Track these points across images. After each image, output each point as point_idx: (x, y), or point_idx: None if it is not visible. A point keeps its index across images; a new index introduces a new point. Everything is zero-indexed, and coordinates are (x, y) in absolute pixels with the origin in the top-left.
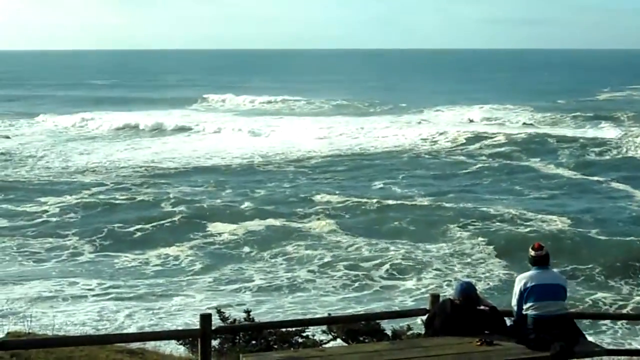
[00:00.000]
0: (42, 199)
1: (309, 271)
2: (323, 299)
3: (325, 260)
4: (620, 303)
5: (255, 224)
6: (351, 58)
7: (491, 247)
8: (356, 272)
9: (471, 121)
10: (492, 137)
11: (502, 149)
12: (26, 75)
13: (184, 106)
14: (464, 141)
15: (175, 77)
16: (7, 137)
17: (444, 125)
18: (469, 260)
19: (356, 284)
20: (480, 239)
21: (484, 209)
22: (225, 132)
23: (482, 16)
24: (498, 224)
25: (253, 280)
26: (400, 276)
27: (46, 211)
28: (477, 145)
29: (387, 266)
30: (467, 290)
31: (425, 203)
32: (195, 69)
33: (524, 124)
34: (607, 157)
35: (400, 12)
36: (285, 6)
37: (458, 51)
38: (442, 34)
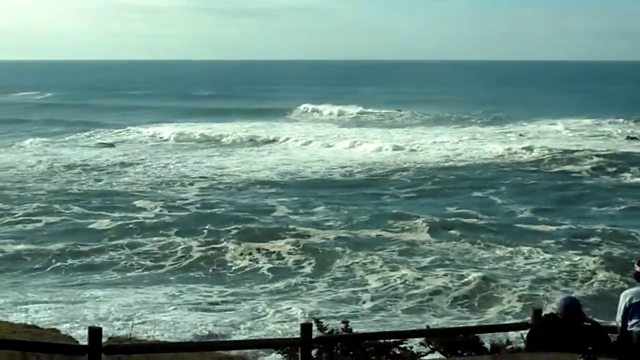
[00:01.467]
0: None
1: None
2: None
3: None
4: None
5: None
6: (463, 70)
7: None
8: None
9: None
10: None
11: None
12: (137, 84)
13: (284, 116)
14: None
15: (281, 87)
16: (112, 146)
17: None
18: None
19: None
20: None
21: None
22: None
23: (593, 29)
24: None
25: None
26: None
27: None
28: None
29: None
30: (571, 306)
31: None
32: (307, 78)
33: (628, 137)
34: None
35: (514, 25)
36: (403, 18)
37: (569, 63)
38: (553, 46)
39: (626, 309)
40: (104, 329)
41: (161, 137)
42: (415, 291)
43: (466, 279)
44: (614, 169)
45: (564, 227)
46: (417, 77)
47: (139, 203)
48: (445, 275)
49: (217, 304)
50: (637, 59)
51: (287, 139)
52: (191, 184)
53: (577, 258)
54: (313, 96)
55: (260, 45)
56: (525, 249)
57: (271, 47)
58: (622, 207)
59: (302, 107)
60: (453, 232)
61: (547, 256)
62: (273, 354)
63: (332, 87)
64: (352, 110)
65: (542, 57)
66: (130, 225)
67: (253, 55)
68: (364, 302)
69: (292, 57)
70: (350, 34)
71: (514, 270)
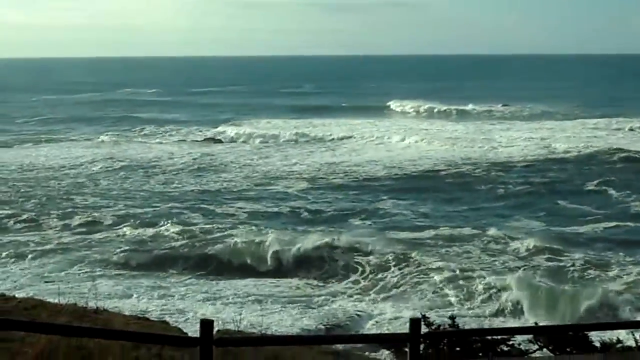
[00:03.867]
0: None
1: None
2: None
3: None
4: None
5: None
6: (563, 64)
7: None
8: None
9: None
10: None
11: None
12: (238, 81)
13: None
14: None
15: (371, 83)
16: (220, 142)
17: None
18: None
19: None
20: None
21: None
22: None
23: None
24: None
25: None
26: None
27: None
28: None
29: None
30: None
31: None
32: (397, 74)
33: None
34: None
35: (621, 16)
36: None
37: None
38: None
39: None
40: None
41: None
42: None
43: None
44: None
45: None
46: (519, 71)
47: None
48: None
49: None
50: None
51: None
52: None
53: None
54: (417, 91)
55: (361, 39)
56: None
57: (370, 42)
58: None
59: (406, 103)
60: None
61: None
62: (380, 351)
63: (432, 82)
64: (457, 106)
65: None
66: None
67: (353, 50)
68: None
69: (391, 52)
70: (446, 27)
71: None
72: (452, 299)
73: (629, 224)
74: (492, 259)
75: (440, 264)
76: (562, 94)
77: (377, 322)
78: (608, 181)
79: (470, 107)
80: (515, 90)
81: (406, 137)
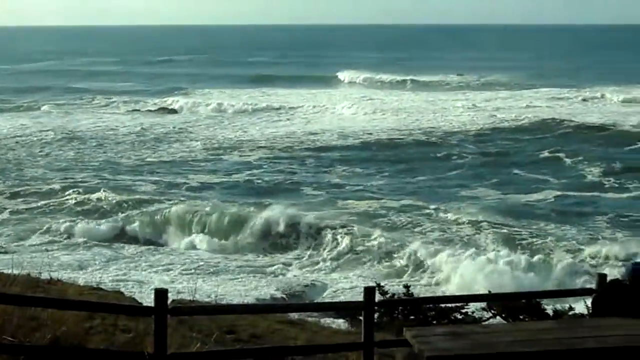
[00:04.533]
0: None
1: None
2: None
3: None
4: None
5: None
6: (536, 34)
7: None
8: None
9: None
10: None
11: None
12: (190, 50)
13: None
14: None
15: (330, 53)
16: (175, 111)
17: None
18: None
19: None
20: None
21: None
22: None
23: None
24: None
25: None
26: None
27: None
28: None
29: None
30: (638, 272)
31: None
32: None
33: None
34: None
35: None
36: None
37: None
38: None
39: None
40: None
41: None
42: None
43: None
44: None
45: None
46: (475, 42)
47: None
48: None
49: None
50: None
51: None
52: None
53: None
54: (373, 61)
55: (318, 8)
56: None
57: (328, 11)
58: None
59: (359, 73)
60: None
61: None
62: (336, 320)
63: (388, 52)
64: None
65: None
66: None
67: (310, 19)
68: None
69: (348, 22)
70: None
71: None
72: (400, 270)
73: (583, 193)
74: (439, 229)
75: (389, 234)
76: (517, 64)
77: (334, 291)
78: (560, 150)
79: (424, 77)
80: (471, 60)
81: (360, 107)
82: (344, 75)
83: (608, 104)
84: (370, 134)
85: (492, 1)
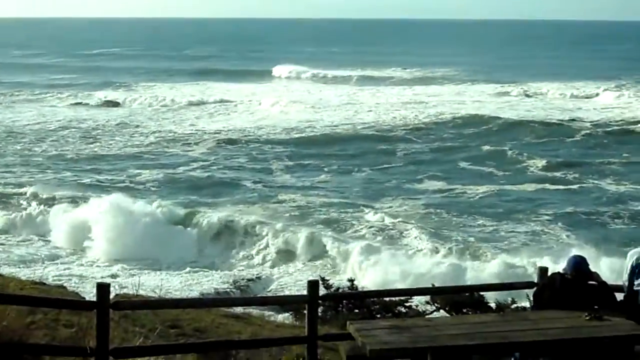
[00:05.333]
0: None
1: None
2: None
3: None
4: None
5: None
6: (462, 28)
7: None
8: None
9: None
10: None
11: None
12: (123, 43)
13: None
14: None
15: (259, 48)
16: (116, 105)
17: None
18: None
19: None
20: None
21: None
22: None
23: None
24: None
25: None
26: None
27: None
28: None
29: None
30: (580, 265)
31: None
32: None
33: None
34: None
35: None
36: None
37: (589, 23)
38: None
39: (633, 268)
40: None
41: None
42: None
43: None
44: None
45: None
46: (419, 36)
47: None
48: None
49: None
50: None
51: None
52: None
53: None
54: (317, 55)
55: (264, 2)
56: None
57: (273, 5)
58: None
59: (295, 67)
60: None
61: None
62: (281, 314)
63: (331, 46)
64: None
65: (571, 16)
66: None
67: (258, 13)
68: None
69: (296, 16)
70: None
71: None
72: (326, 265)
73: (524, 186)
74: (375, 225)
75: (326, 231)
76: (463, 59)
77: (280, 285)
78: (503, 144)
79: (369, 71)
80: (416, 55)
81: (304, 101)
82: (288, 69)
83: (551, 99)
84: (315, 128)
85: None
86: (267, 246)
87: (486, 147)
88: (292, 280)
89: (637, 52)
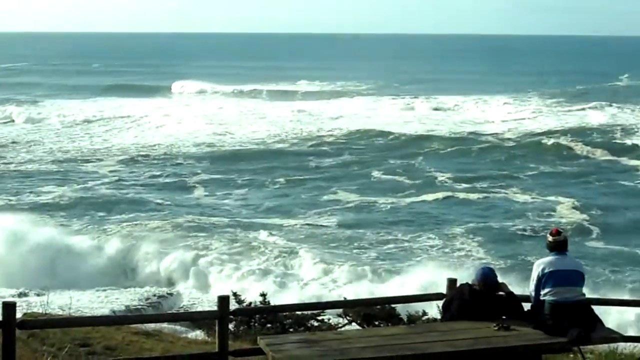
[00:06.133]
0: None
1: None
2: None
3: None
4: None
5: None
6: (376, 43)
7: None
8: None
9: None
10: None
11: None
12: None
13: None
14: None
15: (160, 62)
16: (13, 121)
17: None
18: None
19: None
20: None
21: None
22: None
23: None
24: None
25: None
26: None
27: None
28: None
29: None
30: (488, 276)
31: None
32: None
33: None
34: None
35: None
36: None
37: (489, 37)
38: (473, 19)
39: (539, 279)
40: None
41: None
42: None
43: None
44: None
45: None
46: (324, 50)
47: None
48: None
49: None
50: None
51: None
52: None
53: None
54: (218, 70)
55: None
56: None
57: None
58: None
59: (197, 83)
60: None
61: None
62: (193, 330)
63: (235, 61)
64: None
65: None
66: None
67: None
68: None
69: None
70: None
71: None
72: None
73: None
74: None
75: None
76: (369, 74)
77: (190, 302)
78: (412, 157)
79: (275, 86)
80: (322, 69)
81: (207, 117)
82: (192, 85)
83: (459, 113)
84: (225, 143)
85: (341, 10)
86: (172, 263)
87: (395, 161)
88: (205, 296)
89: (545, 66)
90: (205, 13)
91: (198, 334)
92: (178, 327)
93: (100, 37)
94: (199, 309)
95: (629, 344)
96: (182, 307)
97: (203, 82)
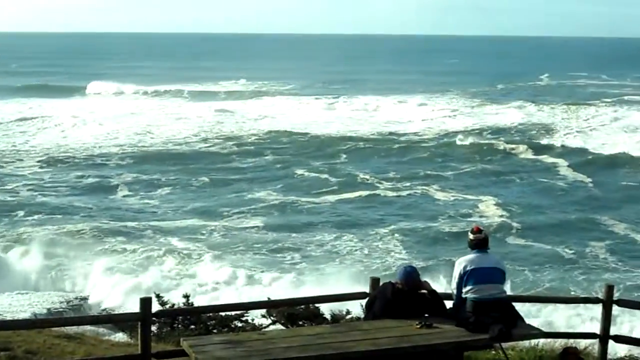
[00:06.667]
0: None
1: None
2: None
3: None
4: None
5: None
6: (300, 43)
7: None
8: None
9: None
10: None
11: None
12: None
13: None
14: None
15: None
16: None
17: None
18: None
19: None
20: None
21: None
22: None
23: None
24: None
25: None
26: None
27: None
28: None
29: None
30: (411, 275)
31: None
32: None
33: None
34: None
35: None
36: None
37: (414, 37)
38: (400, 20)
39: (461, 276)
40: None
41: None
42: None
43: None
44: None
45: None
46: (254, 51)
47: None
48: None
49: None
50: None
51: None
52: None
53: None
54: (141, 70)
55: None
56: None
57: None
58: None
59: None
60: None
61: None
62: (116, 333)
63: (158, 61)
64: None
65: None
66: None
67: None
68: None
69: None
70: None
71: None
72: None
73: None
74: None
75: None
76: (294, 74)
77: (113, 304)
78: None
79: (197, 86)
80: (249, 69)
81: (130, 117)
82: (109, 86)
83: (380, 113)
84: (146, 144)
85: (276, 10)
86: (89, 267)
87: (317, 161)
88: (128, 298)
89: (467, 66)
90: (127, 13)
91: (121, 337)
92: (100, 330)
93: (23, 37)
94: (122, 311)
95: (549, 339)
96: (104, 310)
97: (122, 83)
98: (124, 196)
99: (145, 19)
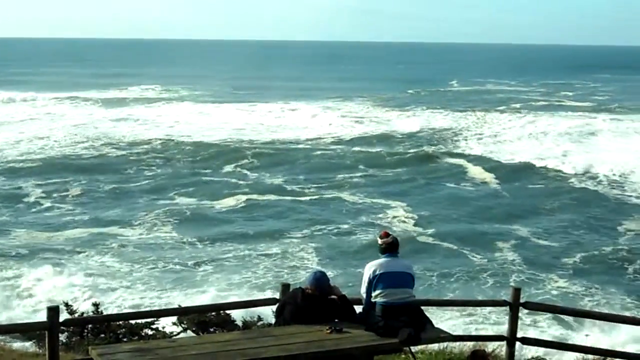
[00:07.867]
0: None
1: None
2: None
3: None
4: None
5: None
6: (212, 49)
7: None
8: None
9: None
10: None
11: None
12: None
13: None
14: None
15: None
16: None
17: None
18: None
19: None
20: None
21: None
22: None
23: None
24: None
25: None
26: None
27: None
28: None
29: None
30: (320, 280)
31: None
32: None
33: None
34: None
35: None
36: None
37: (327, 43)
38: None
39: (370, 281)
40: None
41: None
42: None
43: None
44: None
45: None
46: (164, 56)
47: None
48: None
49: None
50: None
51: None
52: None
53: None
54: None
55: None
56: None
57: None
58: None
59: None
60: None
61: None
62: (23, 342)
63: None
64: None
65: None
66: None
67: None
68: None
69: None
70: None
71: None
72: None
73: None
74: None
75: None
76: (201, 80)
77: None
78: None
79: (93, 93)
80: (160, 76)
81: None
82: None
83: (282, 118)
84: (34, 153)
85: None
86: None
87: (226, 168)
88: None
89: (378, 72)
90: (28, 16)
91: (29, 346)
92: (8, 339)
93: None
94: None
95: (458, 342)
96: (12, 319)
97: (14, 91)
98: (27, 208)
99: (44, 23)
